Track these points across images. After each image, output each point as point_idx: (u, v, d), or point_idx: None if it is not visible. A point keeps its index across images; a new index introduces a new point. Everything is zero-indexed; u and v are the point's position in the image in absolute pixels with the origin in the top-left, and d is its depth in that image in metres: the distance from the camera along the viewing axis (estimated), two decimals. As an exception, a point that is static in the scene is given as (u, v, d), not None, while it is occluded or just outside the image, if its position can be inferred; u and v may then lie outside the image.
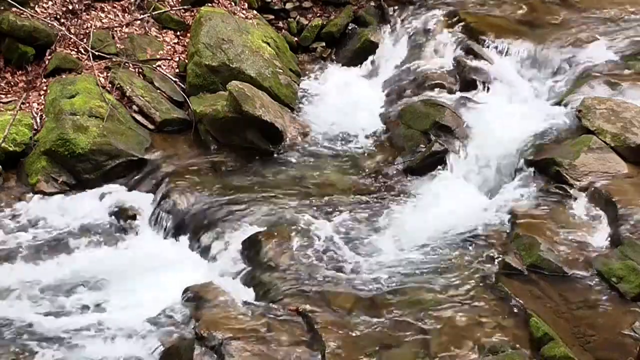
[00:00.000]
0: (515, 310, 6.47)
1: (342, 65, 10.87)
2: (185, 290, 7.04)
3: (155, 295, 7.06)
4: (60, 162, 8.64)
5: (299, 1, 11.32)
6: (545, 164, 8.10)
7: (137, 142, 8.96)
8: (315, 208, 8.05)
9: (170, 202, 8.30)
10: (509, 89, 9.38)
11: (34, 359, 6.44)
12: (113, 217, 8.28)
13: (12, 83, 9.64)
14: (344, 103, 9.97)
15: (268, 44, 10.23)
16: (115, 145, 8.74)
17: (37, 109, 9.22)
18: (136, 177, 8.75)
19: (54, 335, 6.66)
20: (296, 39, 11.14)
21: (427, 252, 7.35)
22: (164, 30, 10.45)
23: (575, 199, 7.69)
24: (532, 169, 8.19)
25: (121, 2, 10.49)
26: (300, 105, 9.95)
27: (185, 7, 10.64)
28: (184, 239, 8.01)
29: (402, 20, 10.88)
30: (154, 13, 10.38)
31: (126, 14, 10.43)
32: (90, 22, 10.05)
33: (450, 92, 9.48)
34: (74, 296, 7.18)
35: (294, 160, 8.96)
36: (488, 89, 9.41)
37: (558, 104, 8.99)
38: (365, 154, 9.05)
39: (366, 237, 7.65)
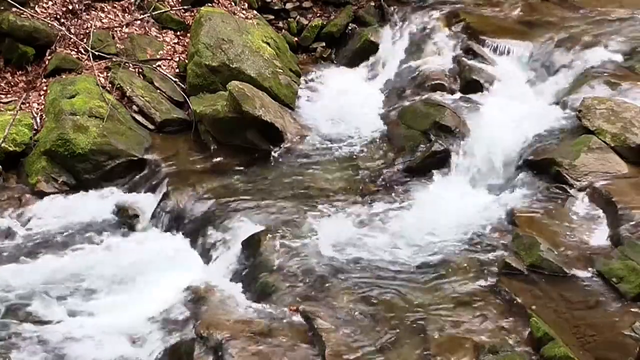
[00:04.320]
0: (515, 310, 6.46)
1: (342, 65, 10.89)
2: (185, 290, 7.04)
3: (156, 295, 7.06)
4: (60, 162, 8.65)
5: (299, 1, 11.34)
6: (545, 164, 8.10)
7: (137, 142, 8.96)
8: (315, 208, 8.04)
9: (170, 202, 8.30)
10: (509, 89, 9.38)
11: (33, 359, 6.45)
12: (113, 217, 8.29)
13: (12, 83, 9.65)
14: (344, 103, 9.97)
15: (268, 44, 10.23)
16: (115, 145, 8.75)
17: (37, 109, 9.23)
18: (136, 178, 8.76)
19: (52, 335, 6.65)
20: (296, 39, 11.16)
21: (427, 252, 7.34)
22: (164, 30, 10.46)
23: (575, 199, 7.68)
24: (532, 169, 8.19)
25: (121, 2, 10.50)
26: (300, 106, 9.96)
27: (185, 7, 10.65)
28: (184, 239, 8.00)
29: (402, 20, 10.89)
30: (154, 13, 10.40)
31: (126, 14, 10.44)
32: (90, 22, 10.06)
33: (451, 92, 9.49)
34: (74, 296, 7.18)
35: (293, 161, 8.96)
36: (488, 89, 9.41)
37: (558, 104, 8.99)
38: (365, 154, 9.05)
39: (366, 237, 7.63)
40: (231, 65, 9.62)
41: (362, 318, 6.51)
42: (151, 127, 9.25)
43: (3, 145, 8.68)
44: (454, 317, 6.43)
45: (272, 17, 11.17)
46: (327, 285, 6.92)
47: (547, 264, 6.89)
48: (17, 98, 9.37)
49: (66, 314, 6.94)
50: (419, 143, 8.82)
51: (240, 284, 7.20)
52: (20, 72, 9.72)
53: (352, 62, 10.82)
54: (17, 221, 8.18)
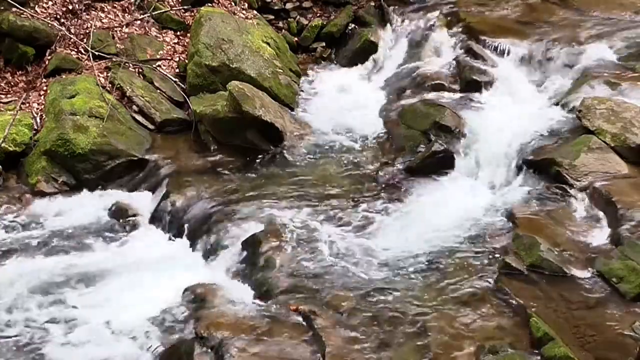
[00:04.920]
0: (515, 310, 6.46)
1: (342, 65, 10.88)
2: (185, 290, 7.04)
3: (155, 295, 7.05)
4: (60, 162, 8.65)
5: (299, 1, 11.33)
6: (545, 164, 8.10)
7: (137, 142, 8.97)
8: (315, 208, 8.04)
9: (170, 202, 8.30)
10: (509, 89, 9.38)
11: (32, 358, 6.44)
12: (113, 217, 8.29)
13: (12, 83, 9.65)
14: (344, 103, 9.97)
15: (268, 44, 10.23)
16: (115, 145, 8.75)
17: (37, 109, 9.23)
18: (136, 178, 8.77)
19: (52, 335, 6.65)
20: (296, 39, 11.15)
21: (427, 252, 7.35)
22: (164, 30, 10.46)
23: (575, 199, 7.69)
24: (532, 169, 8.20)
25: (121, 2, 10.50)
26: (300, 106, 9.96)
27: (185, 7, 10.65)
28: (184, 239, 8.00)
29: (402, 20, 10.89)
30: (154, 13, 10.39)
31: (126, 14, 10.44)
32: (90, 22, 10.05)
33: (451, 92, 9.49)
34: (73, 296, 7.17)
35: (293, 161, 8.95)
36: (488, 89, 9.41)
37: (558, 104, 9.00)
38: (365, 154, 9.05)
39: (366, 237, 7.64)
40: (231, 65, 9.62)
41: (362, 318, 6.51)
42: (151, 127, 9.25)
43: (3, 145, 8.68)
44: (454, 317, 6.43)
45: (272, 17, 11.16)
46: (327, 285, 6.92)
47: (547, 264, 6.89)
48: (17, 98, 9.37)
49: (65, 314, 6.93)
50: (419, 143, 8.82)
51: (240, 284, 7.20)
52: (20, 72, 9.72)
53: (352, 62, 10.81)
54: (16, 221, 8.18)
